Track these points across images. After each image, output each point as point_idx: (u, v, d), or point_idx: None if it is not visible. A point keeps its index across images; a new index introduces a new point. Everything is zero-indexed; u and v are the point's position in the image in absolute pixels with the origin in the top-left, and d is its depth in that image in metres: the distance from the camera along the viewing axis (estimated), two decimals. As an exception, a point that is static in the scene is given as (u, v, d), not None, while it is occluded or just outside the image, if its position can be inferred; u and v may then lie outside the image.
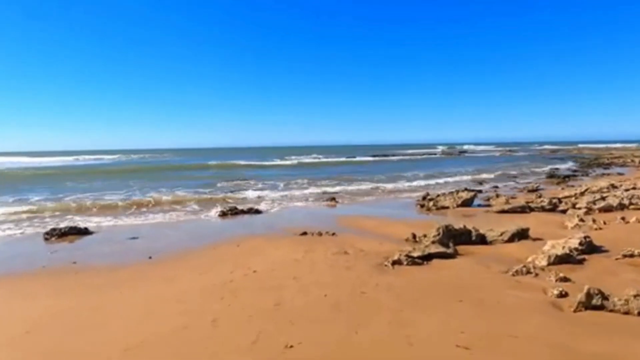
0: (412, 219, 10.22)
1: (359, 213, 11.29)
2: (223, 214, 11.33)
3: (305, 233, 8.50)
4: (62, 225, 9.20)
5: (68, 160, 56.17)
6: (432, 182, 20.33)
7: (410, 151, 72.06)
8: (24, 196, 15.25)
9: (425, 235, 7.31)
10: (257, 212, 11.71)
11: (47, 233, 8.54)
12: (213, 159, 45.14)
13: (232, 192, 16.53)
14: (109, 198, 14.53)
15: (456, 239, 7.05)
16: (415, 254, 6.06)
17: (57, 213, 11.76)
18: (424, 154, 61.09)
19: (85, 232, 8.89)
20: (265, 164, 39.74)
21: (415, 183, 19.74)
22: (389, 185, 18.49)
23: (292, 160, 46.12)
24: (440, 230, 7.05)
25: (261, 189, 17.52)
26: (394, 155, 57.96)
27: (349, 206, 12.78)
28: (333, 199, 14.27)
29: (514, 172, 24.94)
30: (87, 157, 66.92)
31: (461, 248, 6.73)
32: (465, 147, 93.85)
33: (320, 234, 8.38)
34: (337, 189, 17.41)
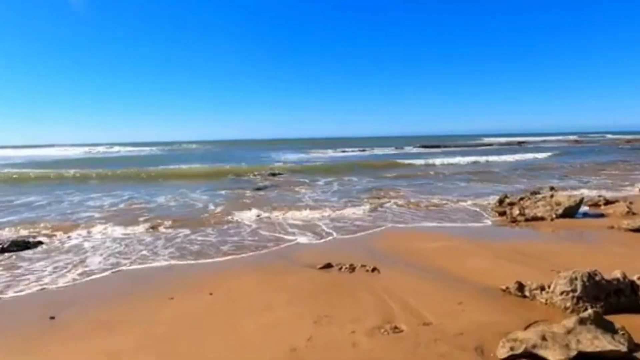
0: (496, 239, 6.81)
1: (413, 224, 8.03)
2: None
3: (329, 265, 5.41)
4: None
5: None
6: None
7: (458, 142, 66.22)
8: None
9: (543, 289, 4.00)
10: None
11: None
12: (248, 153, 43.24)
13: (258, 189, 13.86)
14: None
15: (608, 301, 3.70)
16: (547, 354, 2.80)
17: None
18: (476, 146, 55.67)
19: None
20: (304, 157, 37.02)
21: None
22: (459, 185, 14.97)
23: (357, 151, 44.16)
24: (579, 284, 3.71)
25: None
26: (445, 146, 53.13)
27: (398, 211, 9.46)
28: (378, 198, 11.16)
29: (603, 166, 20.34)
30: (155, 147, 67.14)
31: (624, 321, 3.35)
32: (521, 139, 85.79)
33: (352, 268, 5.26)
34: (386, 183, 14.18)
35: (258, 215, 8.90)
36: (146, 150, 61.09)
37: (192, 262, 5.82)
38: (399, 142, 65.53)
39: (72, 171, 19.51)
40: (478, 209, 9.42)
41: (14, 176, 18.34)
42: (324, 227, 7.84)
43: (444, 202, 10.49)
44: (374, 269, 5.14)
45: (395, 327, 3.39)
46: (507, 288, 4.22)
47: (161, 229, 7.87)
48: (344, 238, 7.07)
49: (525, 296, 4.07)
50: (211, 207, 10.30)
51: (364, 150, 46.88)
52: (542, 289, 4.00)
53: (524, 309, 3.78)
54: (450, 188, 13.36)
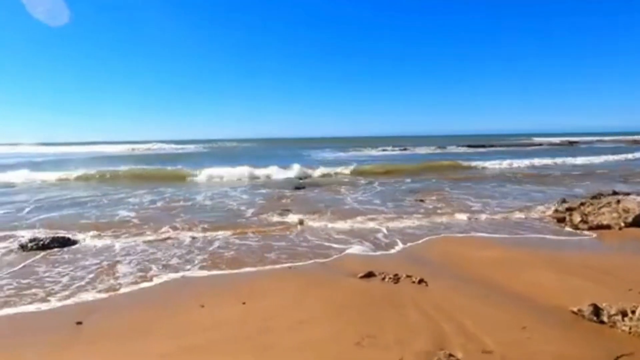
0: (557, 249, 6.12)
1: (463, 231, 7.44)
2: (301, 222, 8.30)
3: (370, 274, 5.00)
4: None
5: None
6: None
7: (505, 142, 62.94)
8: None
9: (625, 314, 3.41)
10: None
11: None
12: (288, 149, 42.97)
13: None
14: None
15: None
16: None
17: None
18: (525, 145, 52.91)
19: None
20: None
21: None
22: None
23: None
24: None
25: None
26: (491, 146, 50.88)
27: (446, 213, 8.84)
28: (422, 200, 10.59)
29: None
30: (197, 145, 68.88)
31: None
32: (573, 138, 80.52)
33: (397, 278, 4.82)
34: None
35: (299, 219, 8.57)
36: (190, 147, 62.73)
37: (226, 269, 5.49)
38: (437, 142, 63.53)
39: (124, 168, 19.99)
40: (534, 215, 8.67)
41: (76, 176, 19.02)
42: (368, 231, 7.41)
43: (499, 207, 9.77)
44: (420, 281, 4.68)
45: (451, 355, 2.93)
46: (580, 311, 3.65)
47: (197, 231, 7.55)
48: (388, 242, 6.61)
49: (602, 322, 3.49)
50: (249, 209, 10.01)
51: (404, 149, 45.82)
52: (625, 314, 3.41)
53: (603, 339, 3.22)
54: (503, 191, 12.51)
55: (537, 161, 22.77)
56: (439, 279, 4.78)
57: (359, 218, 8.48)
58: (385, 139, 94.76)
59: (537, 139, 72.55)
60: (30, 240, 6.58)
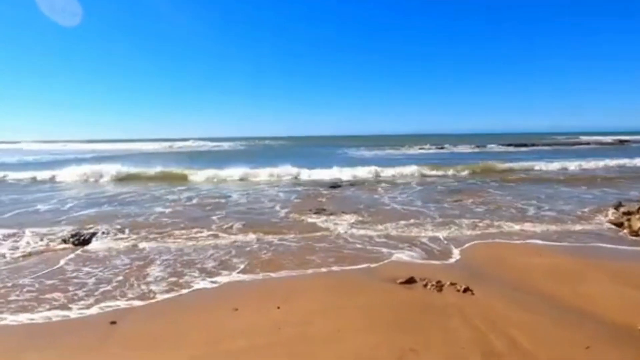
0: (615, 258, 5.59)
1: (511, 236, 6.96)
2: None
3: (412, 280, 4.73)
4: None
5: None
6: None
7: (547, 141, 59.60)
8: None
9: None
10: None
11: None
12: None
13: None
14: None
15: None
16: None
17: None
18: (570, 144, 50.09)
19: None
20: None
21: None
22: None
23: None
24: None
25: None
26: (533, 145, 48.54)
27: (494, 216, 8.38)
28: (464, 201, 10.13)
29: None
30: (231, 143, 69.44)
31: None
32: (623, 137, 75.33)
33: (440, 285, 4.53)
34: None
35: (337, 221, 8.37)
36: (224, 145, 63.70)
37: (260, 272, 5.33)
38: (474, 140, 61.33)
39: (160, 167, 20.45)
40: (589, 220, 8.06)
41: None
42: (409, 235, 7.08)
43: (550, 210, 9.18)
44: (466, 289, 4.37)
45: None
46: (652, 332, 3.26)
47: (232, 232, 7.40)
48: (430, 247, 6.26)
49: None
50: (284, 208, 9.89)
51: (442, 148, 44.65)
52: None
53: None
54: (550, 193, 11.80)
55: (586, 161, 21.38)
56: (486, 288, 4.45)
57: (401, 222, 7.97)
58: (422, 137, 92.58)
59: (584, 138, 68.69)
60: (72, 236, 6.78)
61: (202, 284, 4.84)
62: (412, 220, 8.09)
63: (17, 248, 6.32)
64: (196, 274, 5.13)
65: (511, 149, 42.61)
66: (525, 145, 47.53)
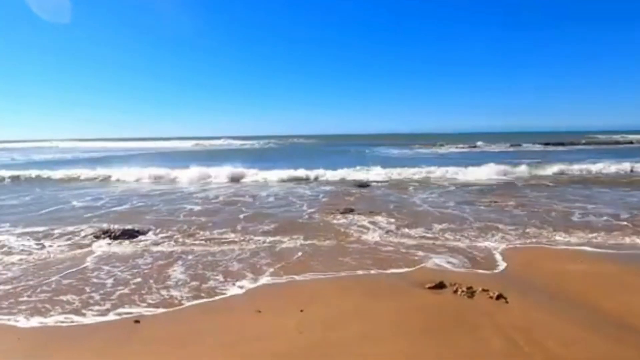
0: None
1: (547, 240, 6.56)
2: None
3: (441, 285, 4.55)
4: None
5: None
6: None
7: (587, 139, 56.34)
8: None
9: None
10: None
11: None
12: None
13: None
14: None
15: None
16: None
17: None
18: (610, 143, 47.37)
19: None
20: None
21: None
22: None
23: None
24: None
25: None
26: (571, 144, 46.31)
27: (530, 219, 7.98)
28: (494, 202, 9.72)
29: None
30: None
31: None
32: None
33: (471, 291, 4.32)
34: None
35: (365, 221, 8.23)
36: (253, 143, 64.26)
37: (285, 273, 5.27)
38: (508, 139, 59.15)
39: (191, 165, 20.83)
40: (635, 224, 7.56)
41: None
42: (439, 238, 6.83)
43: (590, 213, 8.70)
44: (499, 297, 4.15)
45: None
46: None
47: (258, 233, 7.24)
48: (464, 250, 5.99)
49: None
50: (312, 207, 9.82)
51: (474, 147, 43.48)
52: None
53: None
54: (587, 194, 11.19)
55: (628, 161, 20.13)
56: (521, 295, 4.21)
57: (435, 225, 7.57)
58: (455, 136, 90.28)
59: (630, 136, 65.05)
60: (104, 232, 6.96)
61: (225, 284, 4.79)
62: (444, 225, 7.60)
63: (49, 245, 6.54)
64: (220, 277, 5.03)
65: (550, 148, 40.95)
66: (562, 144, 45.56)
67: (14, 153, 43.84)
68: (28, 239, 6.78)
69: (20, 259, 5.75)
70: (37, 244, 6.49)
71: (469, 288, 4.37)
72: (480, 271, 5.07)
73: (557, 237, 6.69)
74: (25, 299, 4.35)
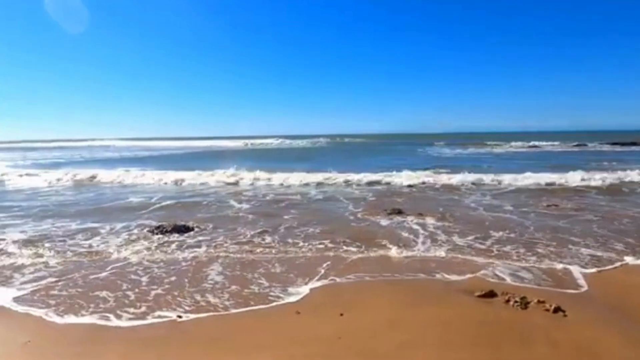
0: None
1: (608, 249, 6.01)
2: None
3: (492, 294, 4.28)
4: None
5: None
6: None
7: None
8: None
9: None
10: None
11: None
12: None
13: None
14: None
15: None
16: None
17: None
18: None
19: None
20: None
21: None
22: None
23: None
24: None
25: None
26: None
27: (598, 227, 7.38)
28: (554, 205, 9.10)
29: None
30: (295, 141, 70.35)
31: None
32: None
33: (525, 302, 4.00)
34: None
35: (413, 223, 7.98)
36: (304, 142, 64.77)
37: (326, 275, 5.20)
38: (572, 138, 55.29)
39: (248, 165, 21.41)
40: None
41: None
42: (494, 244, 6.45)
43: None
44: (556, 309, 3.83)
45: None
46: None
47: (302, 233, 7.16)
48: (517, 257, 5.64)
49: None
50: (358, 208, 9.64)
51: (533, 147, 41.17)
52: None
53: None
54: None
55: None
56: (581, 308, 3.87)
57: (491, 232, 6.99)
58: (508, 134, 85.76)
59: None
60: (156, 227, 7.27)
61: (264, 286, 4.77)
62: (500, 232, 6.98)
63: (104, 240, 6.90)
64: (260, 279, 5.01)
65: (617, 148, 37.83)
66: (635, 144, 41.90)
67: (81, 151, 47.30)
68: (83, 234, 7.21)
69: (74, 252, 6.11)
70: (91, 239, 6.88)
71: (522, 298, 4.07)
72: (538, 284, 4.73)
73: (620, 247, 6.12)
74: (71, 293, 4.58)
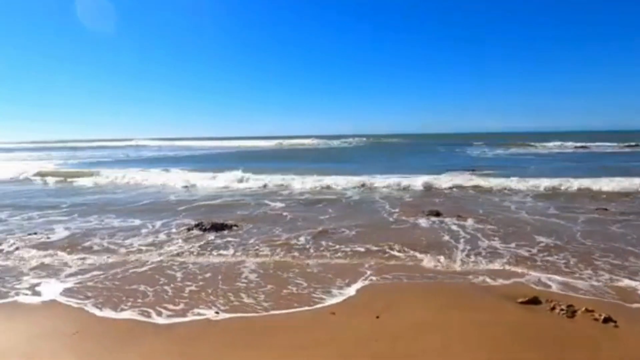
0: None
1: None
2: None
3: (535, 300, 4.09)
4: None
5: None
6: None
7: None
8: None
9: None
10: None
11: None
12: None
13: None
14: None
15: None
16: None
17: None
18: None
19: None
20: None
21: None
22: None
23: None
24: None
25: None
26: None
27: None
28: (602, 209, 8.60)
29: None
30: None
31: None
32: None
33: (572, 311, 3.80)
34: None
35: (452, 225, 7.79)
36: (335, 143, 64.60)
37: (363, 276, 5.18)
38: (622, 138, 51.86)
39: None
40: None
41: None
42: (539, 250, 6.17)
43: None
44: (606, 320, 3.61)
45: None
46: None
47: (337, 233, 7.19)
48: (567, 265, 5.37)
49: None
50: (395, 208, 9.52)
51: (584, 147, 39.15)
52: None
53: None
54: None
55: None
56: (634, 319, 3.63)
57: (534, 237, 6.63)
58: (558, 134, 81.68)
59: None
60: (195, 225, 7.48)
61: (300, 285, 4.76)
62: (544, 237, 6.59)
63: (145, 236, 7.16)
64: (297, 278, 5.04)
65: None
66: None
67: (126, 150, 49.39)
68: (124, 231, 7.50)
69: (117, 246, 6.37)
70: (132, 236, 7.14)
71: (569, 306, 3.87)
72: (589, 294, 4.48)
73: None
74: (113, 287, 4.75)
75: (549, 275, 4.90)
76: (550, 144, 42.55)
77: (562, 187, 11.74)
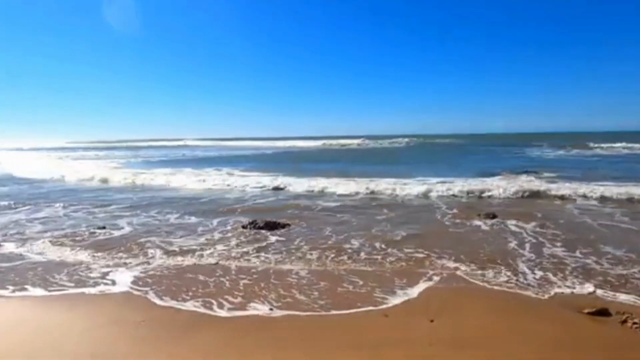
0: None
1: None
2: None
3: (604, 312, 3.79)
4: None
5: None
6: None
7: None
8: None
9: None
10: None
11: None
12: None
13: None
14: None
15: None
16: None
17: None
18: None
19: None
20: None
21: None
22: None
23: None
24: None
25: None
26: None
27: None
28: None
29: None
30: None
31: None
32: None
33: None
34: None
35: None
36: (385, 143, 63.41)
37: (418, 278, 5.07)
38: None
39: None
40: None
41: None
42: (610, 263, 5.74)
43: None
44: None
45: None
46: None
47: (392, 233, 7.09)
48: (631, 274, 4.98)
49: None
50: (449, 209, 9.29)
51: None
52: None
53: None
54: None
55: None
56: None
57: (599, 245, 6.16)
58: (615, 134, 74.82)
59: None
60: (250, 223, 7.70)
61: (352, 285, 4.76)
62: (611, 246, 6.06)
63: (202, 232, 7.49)
64: (350, 276, 5.03)
65: None
66: None
67: (183, 150, 51.63)
68: (184, 227, 7.86)
69: (180, 238, 6.71)
70: (192, 233, 7.48)
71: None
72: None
73: None
74: (176, 279, 4.99)
75: (617, 285, 4.58)
76: (617, 145, 39.16)
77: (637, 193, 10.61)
